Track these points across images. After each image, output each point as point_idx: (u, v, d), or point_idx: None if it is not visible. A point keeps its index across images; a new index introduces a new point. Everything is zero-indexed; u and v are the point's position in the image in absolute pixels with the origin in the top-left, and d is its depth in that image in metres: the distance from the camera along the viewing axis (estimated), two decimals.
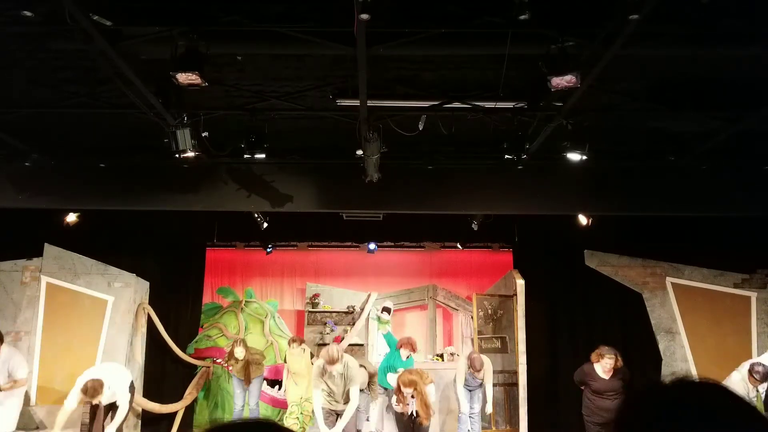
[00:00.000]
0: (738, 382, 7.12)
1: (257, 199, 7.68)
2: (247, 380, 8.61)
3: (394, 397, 7.09)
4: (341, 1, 4.01)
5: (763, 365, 7.04)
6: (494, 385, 8.63)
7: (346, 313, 11.01)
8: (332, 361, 6.47)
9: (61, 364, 8.90)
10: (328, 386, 6.68)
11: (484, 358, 8.15)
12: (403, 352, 8.13)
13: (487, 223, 9.21)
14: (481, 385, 8.14)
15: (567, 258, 9.69)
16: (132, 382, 7.54)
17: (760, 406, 7.04)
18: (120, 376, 7.27)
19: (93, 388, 6.70)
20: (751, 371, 7.03)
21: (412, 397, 6.89)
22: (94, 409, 6.96)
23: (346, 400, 6.68)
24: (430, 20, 4.60)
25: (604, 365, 7.10)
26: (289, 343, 8.76)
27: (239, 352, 8.57)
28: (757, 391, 7.21)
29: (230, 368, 8.93)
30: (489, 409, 8.25)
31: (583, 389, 7.41)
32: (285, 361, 8.83)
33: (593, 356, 7.25)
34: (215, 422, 9.41)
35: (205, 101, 6.16)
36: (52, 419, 8.80)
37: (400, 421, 7.00)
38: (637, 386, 0.96)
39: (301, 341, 8.81)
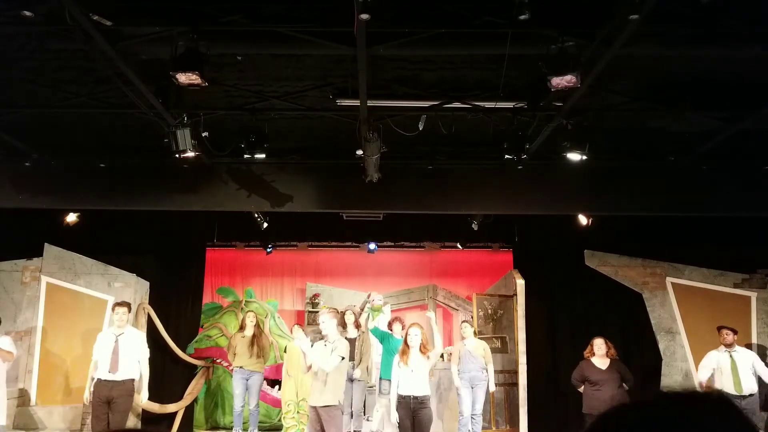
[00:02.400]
0: (711, 355, 7.83)
1: (257, 199, 7.68)
2: (259, 350, 8.50)
3: (398, 359, 6.77)
4: (341, 1, 4.01)
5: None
6: (494, 384, 8.63)
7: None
8: (323, 313, 6.53)
9: (61, 364, 8.91)
10: (314, 365, 6.18)
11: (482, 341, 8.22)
12: (396, 328, 8.21)
13: (487, 223, 9.20)
14: (484, 376, 8.06)
15: (567, 258, 9.69)
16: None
17: (734, 370, 7.28)
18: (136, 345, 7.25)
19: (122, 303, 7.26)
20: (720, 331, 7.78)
21: (417, 338, 6.59)
22: (97, 410, 6.93)
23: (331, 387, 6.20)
24: (430, 20, 4.60)
25: (597, 349, 7.34)
26: (293, 330, 8.88)
27: (250, 320, 8.69)
28: (731, 356, 7.62)
29: (230, 367, 8.91)
30: (491, 375, 8.24)
31: (582, 390, 7.42)
32: (285, 351, 8.83)
33: (586, 352, 7.51)
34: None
35: (205, 101, 6.17)
36: (52, 419, 8.82)
37: (402, 414, 6.89)
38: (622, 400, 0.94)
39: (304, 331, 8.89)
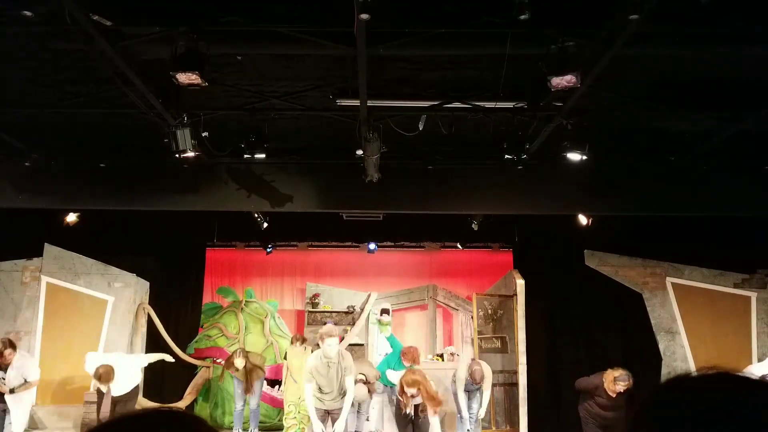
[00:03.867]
0: None
1: (257, 199, 7.68)
2: (248, 387, 8.48)
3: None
4: (341, 1, 4.01)
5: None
6: (494, 385, 8.62)
7: (346, 313, 11.00)
8: (329, 334, 6.51)
9: (61, 364, 8.91)
10: (320, 382, 6.57)
11: (485, 366, 8.04)
12: (405, 362, 8.11)
13: (487, 223, 9.21)
14: (480, 389, 8.11)
15: (567, 258, 9.69)
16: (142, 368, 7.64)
17: None
18: (129, 365, 7.38)
19: (106, 374, 6.97)
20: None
21: (413, 396, 6.87)
22: (100, 400, 7.00)
23: (342, 394, 6.64)
24: (430, 20, 4.60)
25: (614, 389, 6.73)
26: (291, 341, 8.80)
27: (239, 363, 8.41)
28: None
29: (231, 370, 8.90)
30: (482, 414, 8.20)
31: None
32: (285, 358, 8.83)
33: (607, 378, 6.81)
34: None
35: (205, 101, 6.16)
36: (52, 419, 8.82)
37: (400, 422, 6.96)
38: (648, 389, 0.93)
39: (304, 340, 8.83)
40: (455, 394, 8.13)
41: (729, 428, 0.79)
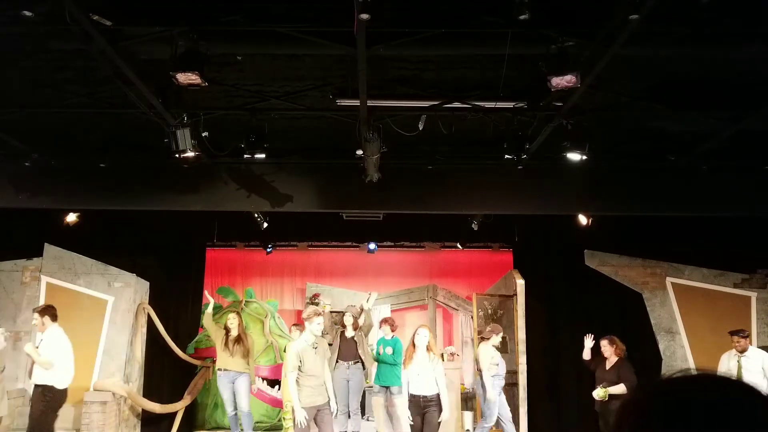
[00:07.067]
0: (722, 358, 7.62)
1: (257, 199, 7.68)
2: (235, 351, 8.16)
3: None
4: (341, 1, 4.02)
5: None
6: None
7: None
8: (316, 312, 6.33)
9: None
10: (310, 368, 6.12)
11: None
12: (385, 329, 7.97)
13: (487, 223, 9.21)
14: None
15: (567, 258, 9.69)
16: None
17: (740, 376, 7.17)
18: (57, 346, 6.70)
19: None
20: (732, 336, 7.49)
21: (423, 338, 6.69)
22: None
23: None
24: (430, 20, 4.60)
25: (603, 351, 7.31)
26: (290, 329, 8.87)
27: (232, 321, 8.30)
28: (738, 362, 7.43)
29: (219, 370, 8.59)
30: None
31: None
32: (285, 350, 8.80)
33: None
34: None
35: (205, 101, 6.17)
36: None
37: (412, 421, 6.87)
38: (640, 382, 0.94)
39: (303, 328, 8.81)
40: (483, 385, 7.72)
41: (712, 428, 0.80)
